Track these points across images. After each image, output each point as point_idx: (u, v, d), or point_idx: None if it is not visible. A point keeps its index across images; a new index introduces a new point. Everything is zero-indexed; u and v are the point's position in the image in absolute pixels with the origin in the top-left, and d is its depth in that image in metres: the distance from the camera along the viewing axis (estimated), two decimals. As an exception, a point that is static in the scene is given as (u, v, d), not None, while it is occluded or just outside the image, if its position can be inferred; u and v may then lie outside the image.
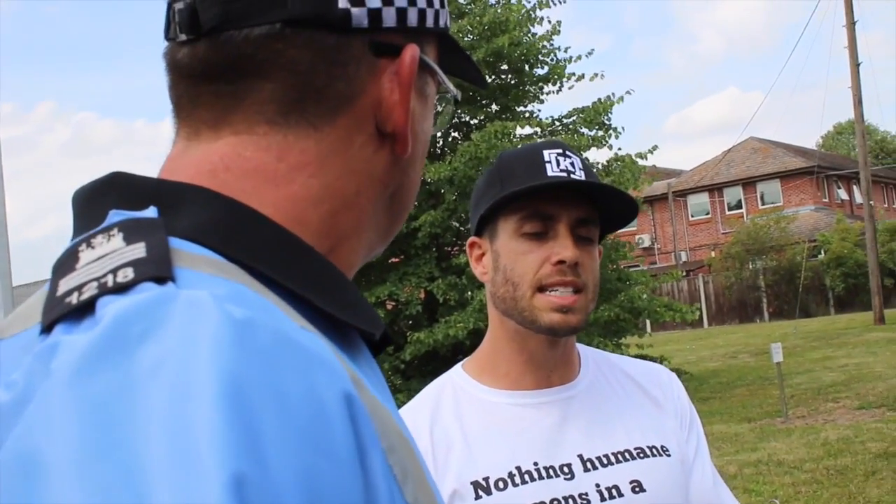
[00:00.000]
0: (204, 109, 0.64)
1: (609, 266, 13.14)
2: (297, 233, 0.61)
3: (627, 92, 13.87)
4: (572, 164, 1.42)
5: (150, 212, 0.57)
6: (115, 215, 0.56)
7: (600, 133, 13.75)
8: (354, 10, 0.63)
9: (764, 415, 10.64)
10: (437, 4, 0.70)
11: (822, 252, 30.53)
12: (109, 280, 0.51)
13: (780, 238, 31.07)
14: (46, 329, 0.51)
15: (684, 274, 30.74)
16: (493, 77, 13.75)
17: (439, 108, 0.76)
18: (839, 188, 39.26)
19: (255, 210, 0.60)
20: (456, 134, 13.91)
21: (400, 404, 0.61)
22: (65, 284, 0.53)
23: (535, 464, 1.36)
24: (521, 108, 14.35)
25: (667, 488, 1.39)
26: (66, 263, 0.55)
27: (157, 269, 0.51)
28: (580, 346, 1.54)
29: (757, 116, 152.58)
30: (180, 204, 0.58)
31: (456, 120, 13.45)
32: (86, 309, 0.50)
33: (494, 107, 14.18)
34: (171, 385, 0.44)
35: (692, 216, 39.14)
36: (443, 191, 12.57)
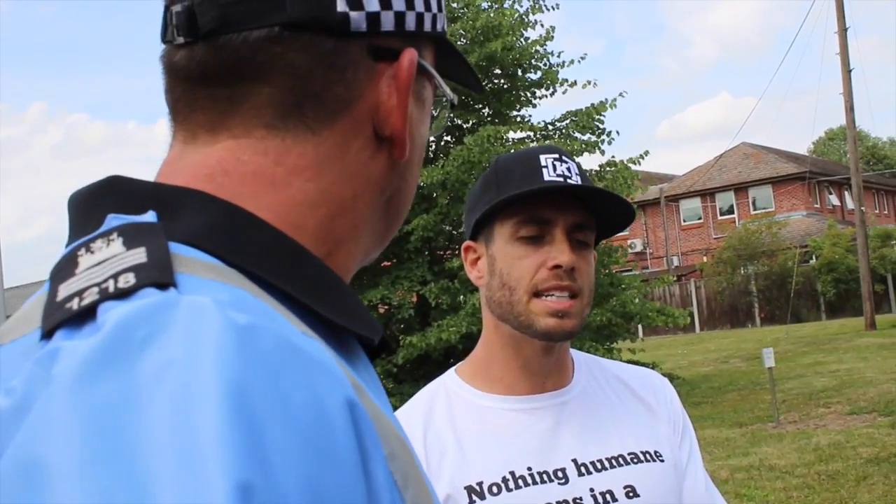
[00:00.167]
0: (201, 113, 0.64)
1: (601, 271, 13.15)
2: (294, 237, 0.61)
3: (621, 94, 13.90)
4: (568, 168, 1.42)
5: (149, 216, 0.56)
6: (113, 219, 0.56)
7: (593, 138, 13.77)
8: (353, 14, 0.63)
9: (755, 420, 10.65)
10: (434, 8, 0.70)
11: (814, 257, 30.62)
12: (111, 285, 0.50)
13: (771, 243, 31.13)
14: (47, 335, 0.50)
15: (675, 279, 30.78)
16: (486, 81, 13.75)
17: (434, 113, 0.76)
18: (830, 194, 39.38)
19: (254, 214, 0.60)
20: (448, 138, 13.91)
21: (392, 408, 0.61)
22: (65, 289, 0.52)
23: (529, 469, 1.36)
24: (514, 113, 14.36)
25: (660, 493, 1.39)
26: (65, 268, 0.54)
27: (159, 275, 0.51)
28: (573, 352, 1.54)
29: (749, 122, 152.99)
30: (178, 208, 0.58)
31: (449, 124, 13.46)
32: (87, 314, 0.49)
33: (487, 111, 14.19)
34: (174, 391, 0.43)
35: (684, 221, 39.22)
36: (435, 195, 12.56)
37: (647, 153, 13.84)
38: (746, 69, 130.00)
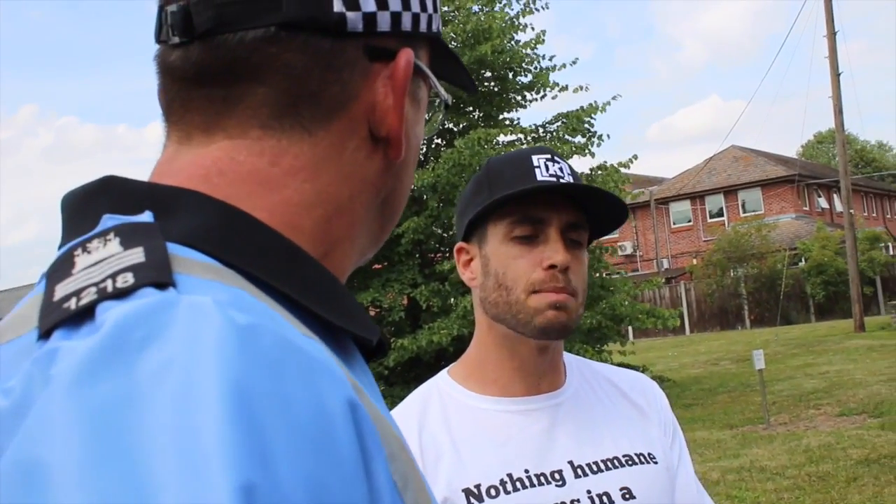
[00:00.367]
0: (196, 113, 0.63)
1: (592, 274, 13.17)
2: (291, 238, 0.60)
3: (614, 97, 13.96)
4: (560, 168, 1.42)
5: (146, 216, 0.56)
6: (109, 220, 0.56)
7: (583, 141, 13.80)
8: (349, 14, 0.63)
9: (746, 421, 10.68)
10: (430, 9, 0.70)
11: (803, 260, 30.73)
12: (109, 285, 0.50)
13: (761, 246, 31.23)
14: (44, 335, 0.50)
15: (665, 281, 30.85)
16: (477, 84, 13.75)
17: (428, 115, 0.75)
18: (819, 197, 39.53)
19: (250, 215, 0.59)
20: (439, 141, 13.92)
21: (386, 410, 0.61)
22: (62, 289, 0.52)
23: (527, 471, 1.35)
24: (504, 116, 14.38)
25: (655, 495, 1.40)
26: (62, 268, 0.54)
27: (158, 275, 0.50)
28: (564, 354, 1.54)
29: (738, 125, 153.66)
30: (175, 208, 0.57)
31: (440, 127, 13.46)
32: (85, 314, 0.49)
33: (478, 114, 14.20)
34: (175, 392, 0.43)
35: (674, 224, 39.31)
36: (426, 197, 12.57)
37: (636, 157, 13.89)
38: (736, 72, 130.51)
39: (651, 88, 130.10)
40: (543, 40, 14.02)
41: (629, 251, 37.63)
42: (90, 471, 0.41)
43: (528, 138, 13.75)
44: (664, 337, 29.06)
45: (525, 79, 14.23)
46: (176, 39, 0.63)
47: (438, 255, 13.57)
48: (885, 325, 22.09)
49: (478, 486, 1.33)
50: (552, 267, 1.37)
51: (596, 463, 1.39)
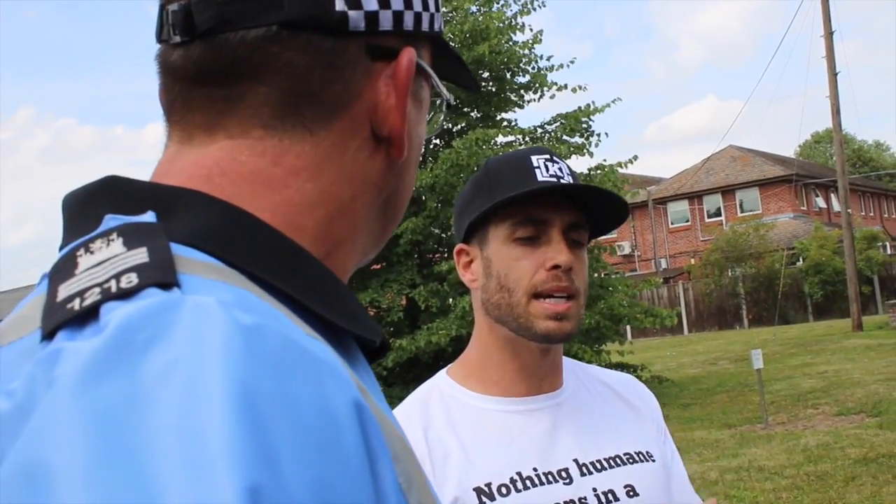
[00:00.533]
0: (198, 113, 0.63)
1: (591, 274, 13.17)
2: (293, 238, 0.60)
3: (613, 101, 13.94)
4: (560, 169, 1.43)
5: (149, 216, 0.55)
6: (111, 220, 0.55)
7: (581, 141, 13.80)
8: (351, 13, 0.63)
9: (744, 421, 10.68)
10: (432, 8, 0.70)
11: (801, 259, 30.74)
12: (113, 285, 0.49)
13: (758, 245, 31.25)
14: (47, 336, 0.49)
15: (663, 281, 30.86)
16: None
17: (429, 115, 0.75)
18: (817, 196, 39.57)
19: (253, 215, 0.59)
20: (437, 141, 13.92)
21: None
22: (65, 290, 0.51)
23: (535, 469, 1.36)
24: (503, 116, 14.38)
25: (656, 492, 1.42)
26: (64, 269, 0.53)
27: (162, 275, 0.50)
28: None
29: (736, 125, 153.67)
30: (177, 208, 0.57)
31: (439, 129, 13.45)
32: (89, 315, 0.48)
33: (476, 114, 14.20)
34: (180, 393, 0.43)
35: (672, 223, 39.33)
36: (424, 198, 12.57)
37: (636, 157, 13.89)
38: (733, 72, 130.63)
39: (648, 88, 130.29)
40: (541, 40, 14.02)
41: (627, 251, 37.63)
42: (95, 473, 0.41)
43: (527, 139, 13.75)
44: (662, 337, 29.07)
45: (523, 79, 14.24)
46: (177, 38, 0.62)
47: (437, 255, 13.56)
48: (882, 325, 22.09)
49: (488, 485, 1.34)
50: (556, 267, 1.38)
51: (599, 461, 1.40)
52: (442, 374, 1.52)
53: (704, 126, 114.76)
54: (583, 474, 1.37)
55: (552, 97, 14.44)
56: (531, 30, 14.10)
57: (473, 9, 13.71)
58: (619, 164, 13.72)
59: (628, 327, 16.48)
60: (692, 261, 34.51)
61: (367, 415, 0.49)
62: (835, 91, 23.22)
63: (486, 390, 1.45)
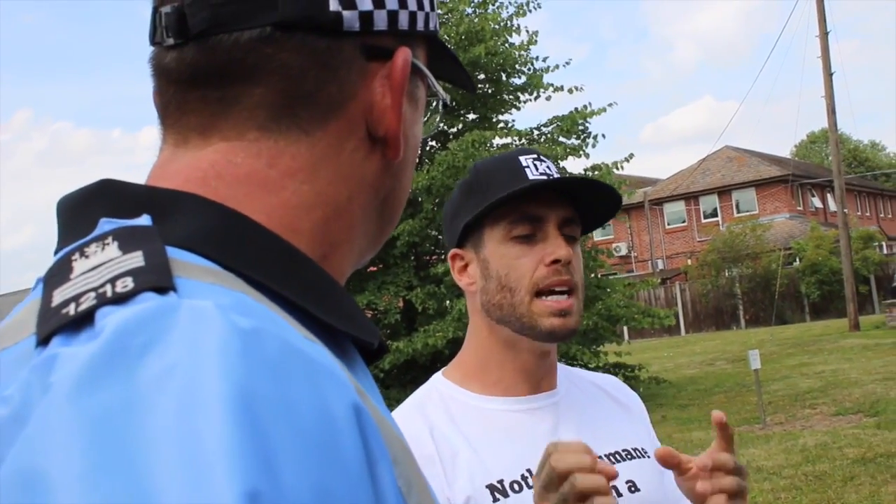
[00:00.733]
0: (192, 115, 0.63)
1: (588, 275, 13.18)
2: (289, 240, 0.60)
3: (610, 104, 13.98)
4: (548, 167, 1.45)
5: (144, 220, 0.55)
6: (106, 224, 0.55)
7: (578, 142, 13.81)
8: (346, 13, 0.62)
9: (742, 421, 10.68)
10: (427, 7, 0.69)
11: (797, 260, 30.78)
12: (108, 290, 0.49)
13: (755, 246, 31.28)
14: (42, 341, 0.49)
15: (660, 281, 30.88)
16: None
17: (426, 116, 0.75)
18: (813, 196, 39.63)
19: (249, 218, 0.59)
20: (434, 143, 13.93)
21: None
22: (59, 295, 0.51)
23: None
24: (498, 118, 14.38)
25: (655, 487, 1.43)
26: (59, 273, 0.53)
27: (158, 279, 0.49)
28: None
29: (732, 125, 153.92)
30: (172, 212, 0.57)
31: (435, 130, 13.47)
32: (84, 320, 0.48)
33: (472, 116, 14.21)
34: (178, 398, 0.42)
35: (668, 224, 39.38)
36: (421, 200, 12.58)
37: (631, 156, 13.90)
38: (729, 73, 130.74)
39: (644, 89, 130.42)
40: (536, 41, 14.05)
41: (624, 252, 37.66)
42: (92, 480, 0.40)
43: (523, 140, 13.77)
44: (659, 338, 29.09)
45: (518, 80, 14.26)
46: (170, 41, 0.62)
47: (433, 257, 13.57)
48: (879, 324, 22.11)
49: (500, 482, 1.34)
50: (555, 262, 1.39)
51: (602, 457, 1.40)
52: (438, 377, 1.52)
53: (701, 127, 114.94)
54: None
55: (548, 99, 14.47)
56: (527, 31, 14.12)
57: (469, 10, 13.72)
58: (616, 165, 13.73)
59: (625, 328, 16.46)
60: (689, 261, 34.55)
61: (366, 418, 0.48)
62: (830, 91, 23.26)
63: (486, 391, 1.45)
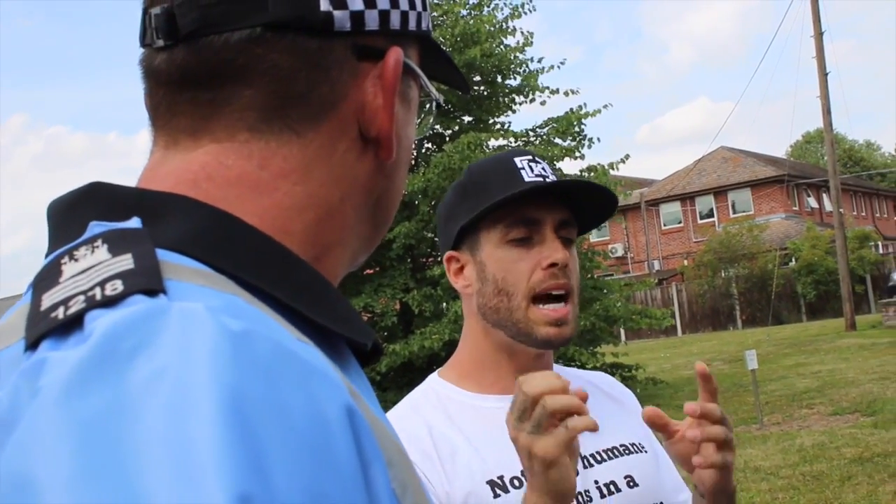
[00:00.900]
0: (183, 117, 0.62)
1: (584, 276, 13.18)
2: (282, 242, 0.59)
3: (605, 106, 13.98)
4: (544, 168, 1.44)
5: (134, 222, 0.55)
6: (96, 226, 0.54)
7: (573, 143, 13.82)
8: (337, 13, 0.62)
9: (739, 422, 10.68)
10: (419, 7, 0.69)
11: (794, 260, 30.82)
12: (97, 293, 0.48)
13: (751, 246, 31.32)
14: (31, 345, 0.48)
15: (657, 282, 30.91)
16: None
17: (420, 115, 0.74)
18: (809, 196, 39.68)
19: (241, 219, 0.58)
20: (429, 145, 13.92)
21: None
22: (49, 299, 0.50)
23: None
24: (494, 120, 14.39)
25: (653, 481, 1.43)
26: (49, 277, 0.52)
27: (148, 282, 0.49)
28: None
29: (727, 126, 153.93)
30: (163, 214, 0.56)
31: (430, 132, 13.49)
32: (73, 324, 0.47)
33: (467, 118, 14.21)
34: (168, 401, 0.42)
35: (664, 225, 39.40)
36: (417, 202, 12.57)
37: (627, 157, 13.92)
38: (724, 73, 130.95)
39: (640, 90, 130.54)
40: (531, 42, 14.04)
41: (620, 253, 37.67)
42: (81, 485, 0.40)
43: (519, 142, 13.77)
44: (656, 338, 29.10)
45: (514, 82, 14.26)
46: (160, 42, 0.62)
47: (430, 259, 13.56)
48: (875, 324, 22.15)
49: (501, 478, 1.34)
50: (552, 265, 1.38)
51: (599, 453, 1.42)
52: (434, 377, 1.51)
53: (696, 127, 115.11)
54: (585, 466, 1.38)
55: (542, 103, 14.46)
56: (522, 33, 14.12)
57: (464, 13, 13.73)
58: (611, 165, 13.73)
59: (622, 329, 16.45)
60: (685, 262, 34.57)
61: (360, 419, 0.48)
62: (825, 91, 23.30)
63: (483, 390, 1.45)
